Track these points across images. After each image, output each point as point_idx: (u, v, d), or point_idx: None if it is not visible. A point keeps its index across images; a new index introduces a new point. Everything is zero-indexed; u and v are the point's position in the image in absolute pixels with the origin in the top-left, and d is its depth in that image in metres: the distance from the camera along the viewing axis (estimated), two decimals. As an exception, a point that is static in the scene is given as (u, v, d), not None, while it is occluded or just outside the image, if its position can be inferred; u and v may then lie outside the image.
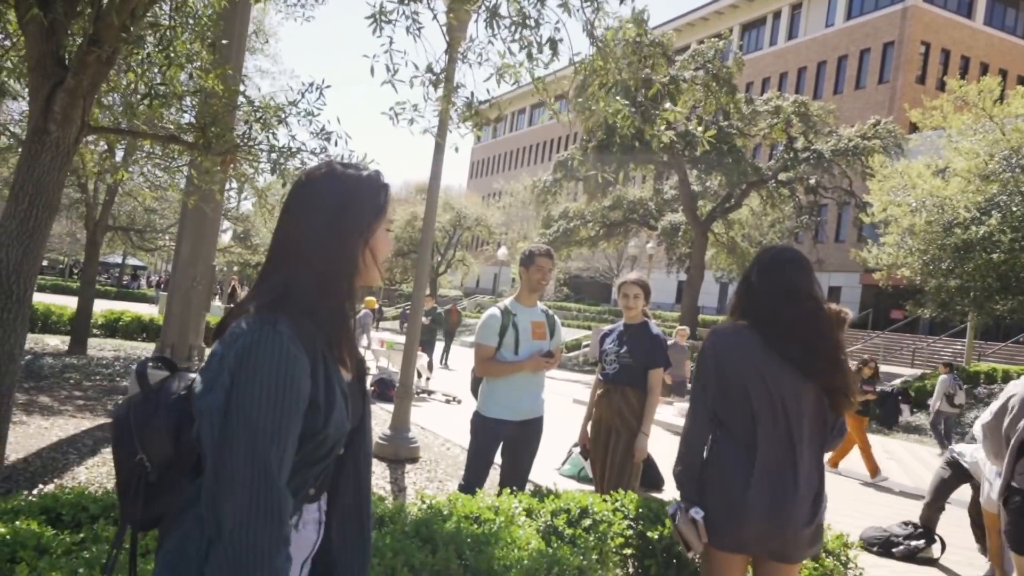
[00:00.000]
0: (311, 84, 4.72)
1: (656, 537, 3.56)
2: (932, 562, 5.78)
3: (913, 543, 5.83)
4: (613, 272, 39.02)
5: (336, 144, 4.65)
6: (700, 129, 10.28)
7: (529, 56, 4.47)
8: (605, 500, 3.77)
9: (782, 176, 24.39)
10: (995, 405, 3.62)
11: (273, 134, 4.53)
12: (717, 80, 23.03)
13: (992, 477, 4.49)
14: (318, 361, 1.35)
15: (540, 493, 3.90)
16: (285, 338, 1.29)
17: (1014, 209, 17.80)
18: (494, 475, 4.60)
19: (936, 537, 5.89)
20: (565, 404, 12.74)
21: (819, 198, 26.13)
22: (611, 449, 4.42)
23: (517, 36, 4.34)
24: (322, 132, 4.69)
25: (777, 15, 43.88)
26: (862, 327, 34.66)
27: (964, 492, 5.80)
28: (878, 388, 9.87)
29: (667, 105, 15.75)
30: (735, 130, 23.45)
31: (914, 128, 24.33)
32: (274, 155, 4.54)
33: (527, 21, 4.20)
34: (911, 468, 10.84)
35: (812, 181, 24.34)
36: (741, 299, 2.53)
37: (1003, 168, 18.12)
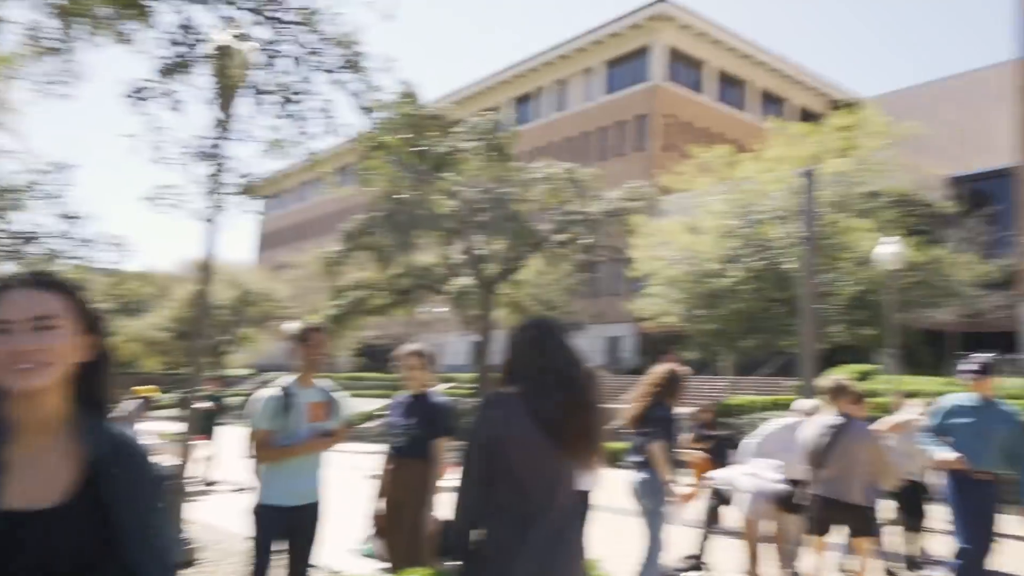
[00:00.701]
0: (56, 164, 4.27)
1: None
2: (708, 590, 6.17)
3: (686, 574, 6.20)
4: (408, 338, 38.97)
5: (83, 226, 4.22)
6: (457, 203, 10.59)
7: (301, 131, 4.39)
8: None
9: (559, 237, 25.87)
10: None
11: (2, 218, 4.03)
12: (494, 150, 24.15)
13: (754, 488, 5.68)
14: None
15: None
16: None
17: (751, 261, 20.15)
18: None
19: (703, 564, 6.30)
20: (362, 478, 12.28)
21: (593, 256, 27.97)
22: (401, 525, 4.29)
23: (284, 111, 4.26)
24: (67, 215, 4.25)
25: (544, 90, 47.22)
26: (639, 372, 37.16)
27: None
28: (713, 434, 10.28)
29: (445, 175, 16.18)
30: (513, 196, 24.64)
31: (666, 191, 26.95)
32: (7, 240, 4.02)
33: (291, 96, 4.14)
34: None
35: (585, 241, 26.04)
36: (512, 366, 2.57)
37: (741, 224, 20.53)
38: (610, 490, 11.58)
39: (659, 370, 5.55)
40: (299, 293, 42.76)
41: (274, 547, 3.85)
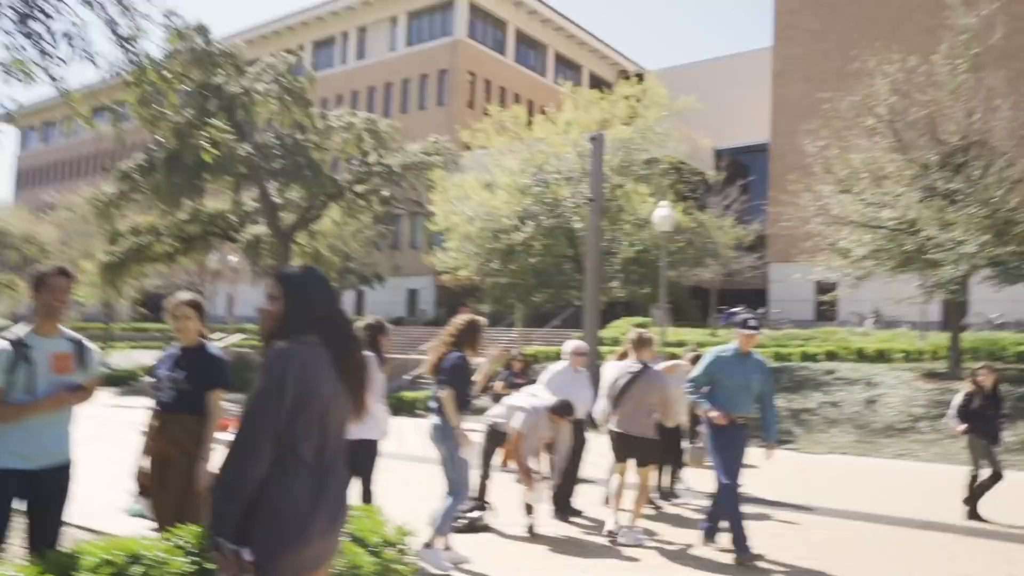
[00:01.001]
0: None
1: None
2: (487, 528, 6.50)
3: (470, 515, 6.48)
4: (197, 288, 36.44)
5: None
6: (208, 143, 9.94)
7: (42, 52, 3.86)
8: (165, 539, 3.44)
9: (358, 188, 25.28)
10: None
11: None
12: (291, 94, 22.93)
13: (528, 404, 6.32)
14: None
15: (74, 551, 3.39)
16: None
17: (543, 218, 20.95)
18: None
19: (486, 504, 6.63)
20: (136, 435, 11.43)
21: (392, 208, 27.67)
22: (169, 482, 4.07)
23: (21, 28, 3.71)
24: None
25: (346, 36, 45.36)
26: (437, 323, 37.69)
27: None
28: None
29: (213, 121, 15.11)
30: (311, 144, 23.63)
31: (467, 147, 27.21)
32: None
33: (31, 12, 3.60)
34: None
35: (385, 193, 25.68)
36: (296, 316, 2.46)
37: (533, 183, 21.23)
38: (403, 438, 11.74)
39: (458, 320, 5.68)
40: (69, 237, 38.43)
41: (12, 513, 3.48)
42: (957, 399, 7.69)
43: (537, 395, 6.51)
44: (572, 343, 7.33)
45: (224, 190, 25.51)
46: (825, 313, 26.68)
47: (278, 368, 2.33)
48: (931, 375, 15.60)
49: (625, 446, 6.28)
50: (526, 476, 6.13)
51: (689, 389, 5.98)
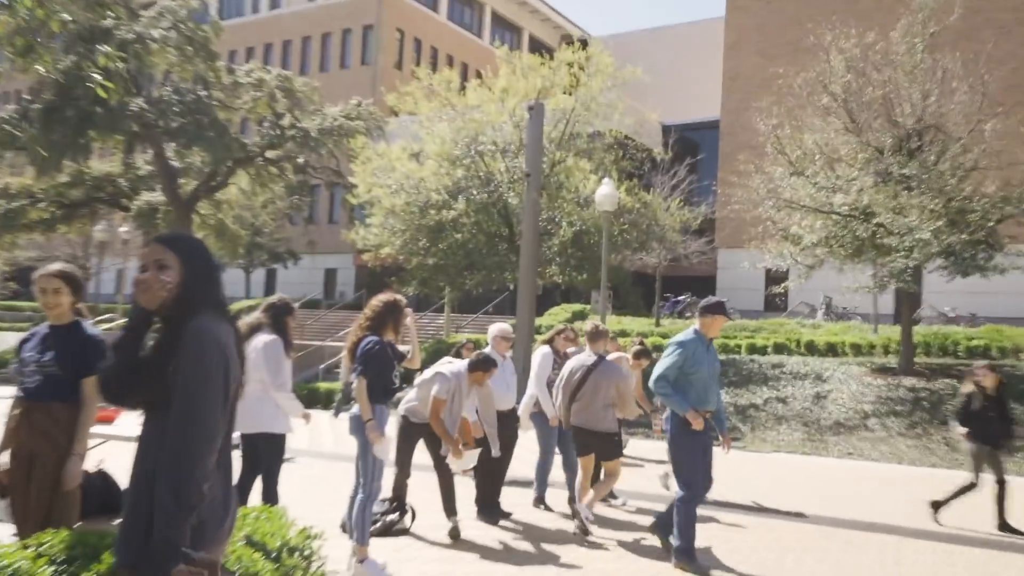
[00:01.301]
0: None
1: (91, 578, 3.18)
2: (405, 532, 6.42)
3: (388, 518, 6.39)
4: (80, 262, 34.99)
5: None
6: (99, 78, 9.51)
7: None
8: (26, 546, 3.23)
9: (270, 154, 24.60)
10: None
11: None
12: (193, 44, 22.08)
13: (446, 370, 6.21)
14: None
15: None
16: None
17: (475, 193, 20.83)
18: None
19: (408, 507, 6.55)
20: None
21: (309, 178, 27.07)
22: (33, 481, 3.84)
23: None
24: None
25: (259, -19, 44.07)
26: (357, 307, 37.21)
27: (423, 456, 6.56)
28: None
29: (103, 48, 14.40)
30: (216, 102, 22.84)
31: (393, 112, 26.79)
32: None
33: None
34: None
35: (300, 160, 25.08)
36: (199, 288, 2.37)
37: (465, 154, 21.07)
38: (317, 433, 11.52)
39: (376, 301, 5.56)
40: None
41: None
42: (960, 401, 7.70)
43: (455, 362, 6.46)
44: (498, 326, 7.33)
45: (113, 150, 24.47)
46: (775, 303, 27.44)
47: (213, 350, 2.27)
48: (882, 370, 16.22)
49: (586, 441, 6.59)
50: (450, 442, 6.05)
51: (661, 389, 5.64)
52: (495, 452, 6.59)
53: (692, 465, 5.66)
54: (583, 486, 6.79)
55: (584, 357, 6.76)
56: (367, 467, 5.33)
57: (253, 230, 33.84)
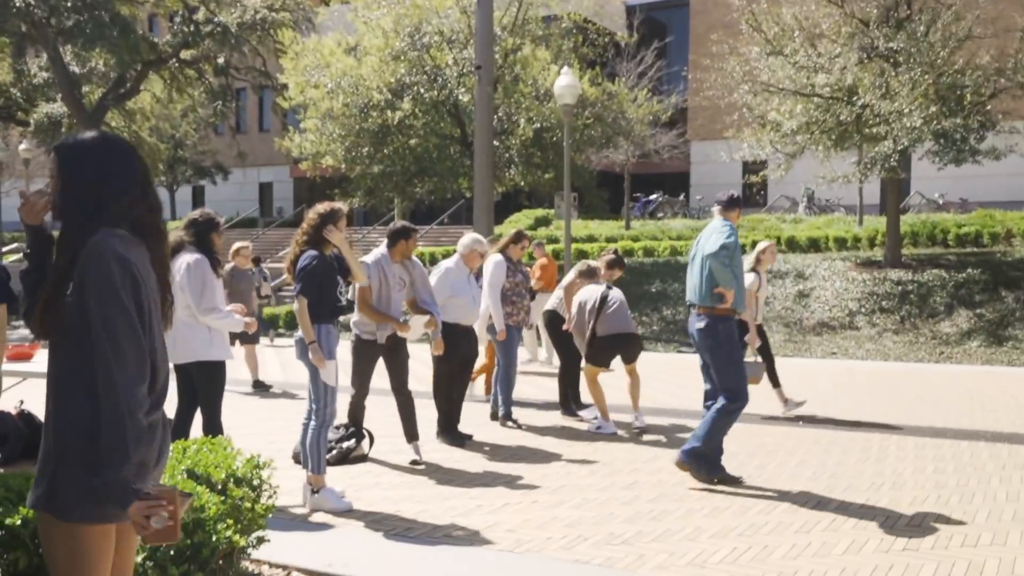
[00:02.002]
0: None
1: (20, 523, 3.21)
2: (363, 458, 6.55)
3: (345, 444, 6.50)
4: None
5: None
6: None
7: None
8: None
9: (185, 54, 23.79)
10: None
11: None
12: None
13: None
14: None
15: None
16: None
17: (422, 91, 20.43)
18: None
19: (365, 432, 6.66)
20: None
21: (232, 81, 26.29)
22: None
23: None
24: None
25: None
26: (298, 224, 36.74)
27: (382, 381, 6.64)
28: None
29: None
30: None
31: (324, 0, 25.91)
32: None
33: None
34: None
35: (220, 60, 24.29)
36: (91, 198, 2.26)
37: (408, 47, 20.55)
38: (261, 363, 11.52)
39: (313, 211, 5.50)
40: None
41: None
42: None
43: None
44: (471, 236, 7.40)
45: (0, 55, 23.43)
46: (753, 199, 27.69)
47: (115, 268, 2.17)
48: (867, 264, 16.61)
49: (614, 345, 7.47)
50: (386, 320, 6.37)
51: (724, 258, 5.51)
52: (436, 322, 6.66)
53: (741, 372, 5.77)
54: (632, 389, 7.67)
55: (597, 288, 7.64)
56: (318, 392, 5.38)
57: (174, 143, 32.99)
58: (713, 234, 5.68)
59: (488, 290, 7.66)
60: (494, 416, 8.02)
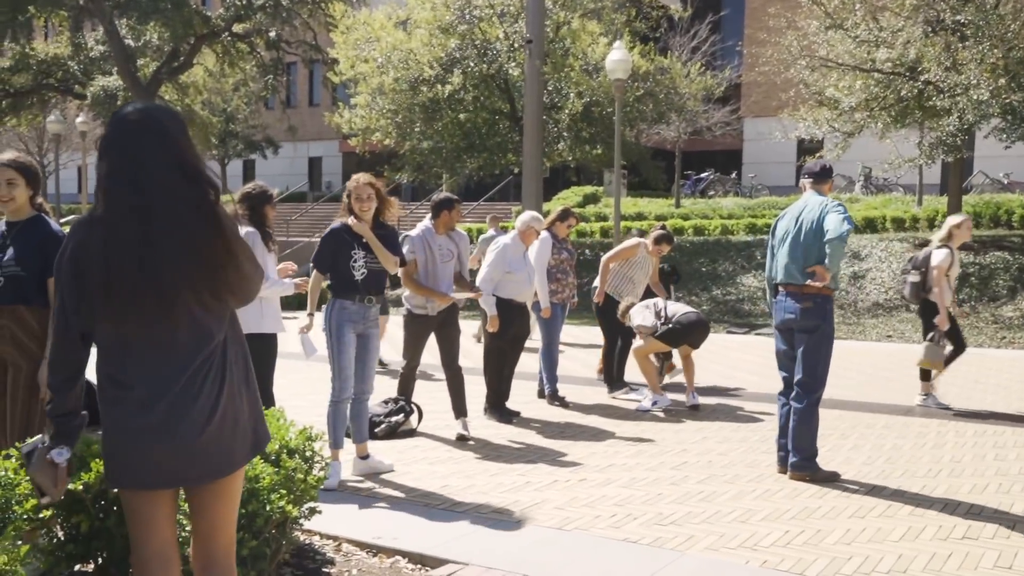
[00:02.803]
0: None
1: (81, 487, 3.29)
2: (411, 433, 6.60)
3: (393, 419, 6.56)
4: (34, 156, 34.73)
5: None
6: None
7: None
8: (7, 455, 3.35)
9: (237, 28, 23.99)
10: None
11: None
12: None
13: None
14: None
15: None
16: None
17: (472, 65, 20.34)
18: None
19: (413, 407, 6.71)
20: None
21: (283, 55, 26.46)
22: (11, 389, 3.92)
23: None
24: None
25: None
26: (346, 199, 37.02)
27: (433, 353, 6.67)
28: None
29: None
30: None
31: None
32: None
33: None
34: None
35: (272, 34, 24.46)
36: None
37: (459, 20, 20.46)
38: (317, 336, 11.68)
39: (355, 180, 5.51)
40: None
41: None
42: None
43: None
44: (529, 213, 7.47)
45: (59, 29, 23.87)
46: (808, 177, 27.18)
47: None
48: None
49: (690, 331, 7.59)
50: (432, 295, 6.40)
51: (844, 239, 5.16)
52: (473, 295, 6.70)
53: (830, 358, 5.49)
54: (689, 379, 7.81)
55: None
56: (333, 364, 5.41)
57: (225, 117, 33.37)
58: (825, 212, 5.28)
59: (535, 267, 7.65)
60: (541, 394, 8.03)
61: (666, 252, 8.35)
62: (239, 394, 2.48)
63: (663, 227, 8.47)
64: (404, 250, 6.04)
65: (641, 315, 7.69)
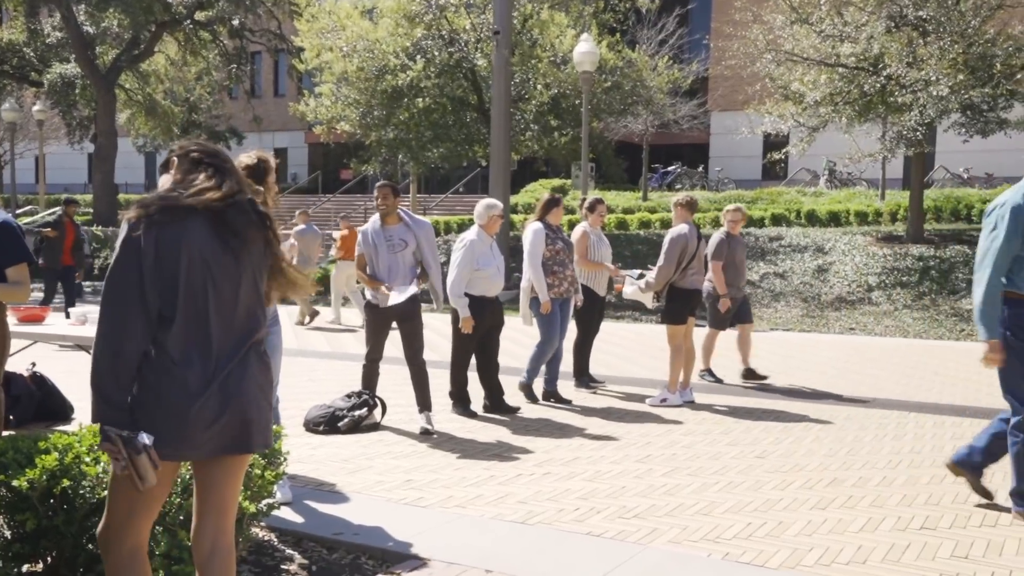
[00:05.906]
0: None
1: (26, 485, 3.21)
2: (375, 427, 6.55)
3: (356, 413, 6.50)
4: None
5: None
6: None
7: None
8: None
9: (199, 15, 23.65)
10: None
11: None
12: None
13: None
14: None
15: None
16: None
17: (436, 54, 20.23)
18: None
19: (377, 400, 6.66)
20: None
21: (247, 43, 26.16)
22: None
23: None
24: None
25: None
26: (312, 191, 36.78)
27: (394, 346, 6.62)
28: None
29: None
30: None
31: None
32: None
33: None
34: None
35: (235, 22, 24.15)
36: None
37: (425, 9, 20.33)
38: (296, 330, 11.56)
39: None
40: None
41: None
42: None
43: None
44: (485, 201, 7.11)
45: (14, 14, 23.37)
46: (773, 171, 27.44)
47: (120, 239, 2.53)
48: (889, 239, 16.44)
49: (696, 302, 7.72)
50: (371, 285, 6.46)
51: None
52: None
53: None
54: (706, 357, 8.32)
55: (688, 228, 7.49)
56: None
57: (188, 107, 32.87)
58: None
59: (529, 260, 7.35)
60: (547, 395, 7.65)
61: (605, 214, 8.37)
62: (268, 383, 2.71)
63: (599, 199, 8.43)
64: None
65: (632, 288, 7.82)
